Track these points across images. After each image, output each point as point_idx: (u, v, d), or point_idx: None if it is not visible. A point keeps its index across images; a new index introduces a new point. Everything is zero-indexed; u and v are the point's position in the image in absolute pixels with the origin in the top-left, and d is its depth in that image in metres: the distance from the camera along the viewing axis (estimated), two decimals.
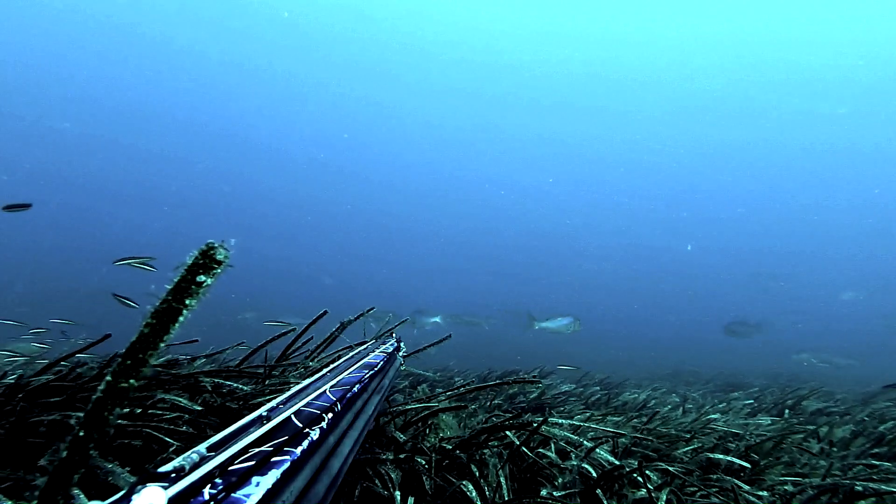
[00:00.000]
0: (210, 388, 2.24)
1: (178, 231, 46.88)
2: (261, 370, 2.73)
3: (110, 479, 1.84)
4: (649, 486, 2.27)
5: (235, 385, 2.35)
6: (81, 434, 0.65)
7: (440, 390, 3.42)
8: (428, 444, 2.60)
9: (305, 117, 47.82)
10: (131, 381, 0.66)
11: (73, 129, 40.76)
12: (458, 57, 42.88)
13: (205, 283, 0.68)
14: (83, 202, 45.15)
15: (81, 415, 2.07)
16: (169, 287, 0.68)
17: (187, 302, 0.67)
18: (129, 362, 0.65)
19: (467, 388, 2.90)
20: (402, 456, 2.47)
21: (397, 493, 2.09)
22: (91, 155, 42.55)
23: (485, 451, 2.44)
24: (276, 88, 44.48)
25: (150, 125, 42.70)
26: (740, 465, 2.76)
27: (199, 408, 2.03)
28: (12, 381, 2.38)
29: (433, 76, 44.52)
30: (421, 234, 55.81)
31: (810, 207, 49.04)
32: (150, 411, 2.06)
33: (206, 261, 0.68)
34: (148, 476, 0.58)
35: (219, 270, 0.69)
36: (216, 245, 0.68)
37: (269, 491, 0.62)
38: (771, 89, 41.50)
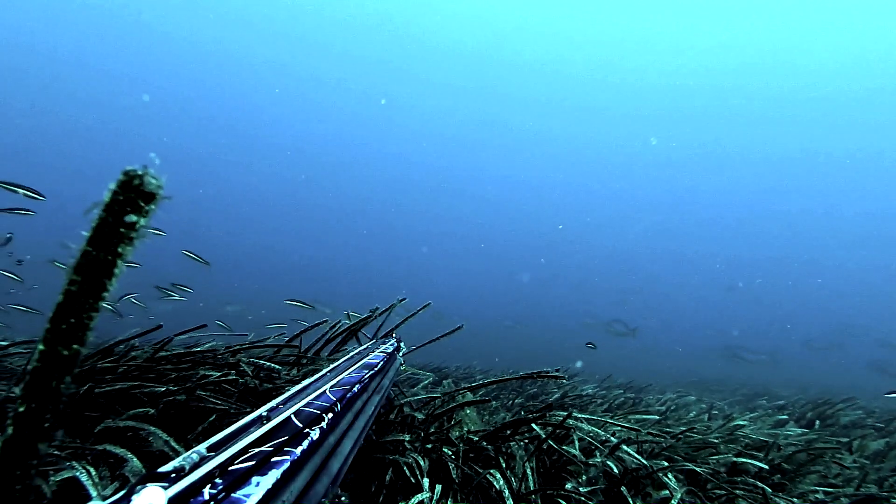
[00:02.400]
0: (251, 373, 2.36)
1: (198, 225, 48.56)
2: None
3: (151, 439, 1.98)
4: (673, 486, 2.27)
5: (270, 365, 2.46)
6: (22, 409, 0.55)
7: (465, 385, 3.47)
8: (454, 436, 2.67)
9: (319, 115, 48.75)
10: (75, 346, 0.55)
11: (96, 123, 42.21)
12: (473, 55, 43.38)
13: (137, 225, 0.54)
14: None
15: (148, 387, 2.19)
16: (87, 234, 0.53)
17: (119, 250, 0.53)
18: (62, 326, 0.54)
19: (495, 381, 2.94)
20: (428, 445, 2.54)
21: (425, 480, 2.15)
22: (101, 149, 44.03)
23: (511, 443, 2.49)
24: (292, 85, 45.39)
25: (162, 120, 43.96)
26: (762, 468, 2.73)
27: (241, 379, 2.14)
28: None
29: (449, 75, 45.12)
30: (426, 230, 56.64)
31: (805, 213, 49.04)
32: (198, 392, 2.19)
33: (131, 195, 0.53)
34: (148, 476, 0.57)
35: (153, 207, 0.54)
36: (140, 173, 0.53)
37: (269, 491, 0.62)
38: (774, 94, 41.11)
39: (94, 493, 1.60)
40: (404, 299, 3.19)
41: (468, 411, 3.34)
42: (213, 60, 41.67)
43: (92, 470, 1.69)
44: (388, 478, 2.19)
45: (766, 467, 2.79)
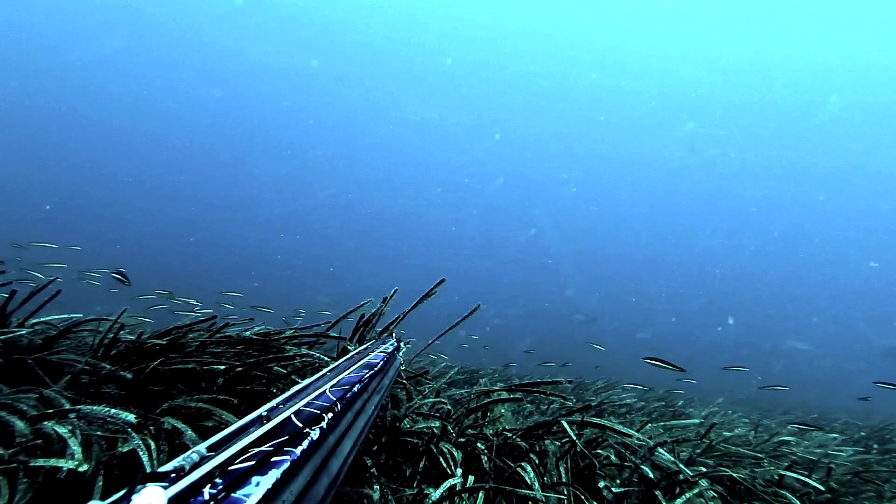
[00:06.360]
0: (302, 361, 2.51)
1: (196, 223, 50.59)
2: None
3: (224, 416, 2.14)
4: (703, 485, 2.23)
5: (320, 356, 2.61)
6: None
7: (501, 384, 3.51)
8: (490, 432, 2.71)
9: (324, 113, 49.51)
10: None
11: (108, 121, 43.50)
12: (468, 56, 43.64)
13: None
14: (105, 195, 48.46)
15: (193, 366, 2.37)
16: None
17: None
18: None
19: (519, 385, 2.97)
20: (462, 440, 2.60)
21: (459, 469, 2.21)
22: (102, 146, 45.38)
23: (545, 440, 2.51)
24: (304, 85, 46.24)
25: (161, 119, 44.92)
26: (807, 483, 2.62)
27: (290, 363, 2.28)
28: (132, 338, 2.78)
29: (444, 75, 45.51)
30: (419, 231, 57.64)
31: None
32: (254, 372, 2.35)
33: None
34: (148, 476, 0.57)
35: None
36: None
37: (269, 491, 0.62)
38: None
39: (148, 466, 1.75)
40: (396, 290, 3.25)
41: (503, 410, 3.38)
42: (213, 58, 42.26)
43: (152, 443, 1.86)
44: (421, 465, 2.26)
45: (822, 488, 2.67)
